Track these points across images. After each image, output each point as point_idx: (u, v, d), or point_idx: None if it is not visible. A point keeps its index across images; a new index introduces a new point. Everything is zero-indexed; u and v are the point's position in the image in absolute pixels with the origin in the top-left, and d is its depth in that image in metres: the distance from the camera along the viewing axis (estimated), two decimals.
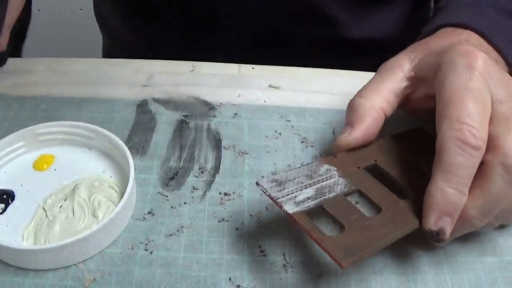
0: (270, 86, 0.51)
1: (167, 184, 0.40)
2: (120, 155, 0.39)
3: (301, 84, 0.51)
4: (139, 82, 0.50)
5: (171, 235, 0.37)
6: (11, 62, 0.51)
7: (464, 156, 0.32)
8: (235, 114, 0.47)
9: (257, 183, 0.33)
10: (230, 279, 0.34)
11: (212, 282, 0.34)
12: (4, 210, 0.37)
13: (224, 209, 0.39)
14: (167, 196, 0.39)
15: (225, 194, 0.40)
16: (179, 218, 0.38)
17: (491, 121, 0.33)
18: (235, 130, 0.45)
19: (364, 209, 0.34)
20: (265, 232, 0.38)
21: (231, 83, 0.51)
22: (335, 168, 0.36)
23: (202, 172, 0.41)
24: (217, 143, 0.44)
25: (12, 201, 0.38)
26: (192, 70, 0.52)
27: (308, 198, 0.33)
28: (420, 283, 0.35)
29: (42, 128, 0.41)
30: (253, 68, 0.53)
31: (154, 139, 0.44)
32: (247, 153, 0.43)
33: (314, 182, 0.34)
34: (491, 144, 0.33)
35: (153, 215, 0.38)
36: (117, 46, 0.72)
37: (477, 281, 0.36)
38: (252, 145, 0.44)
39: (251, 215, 0.39)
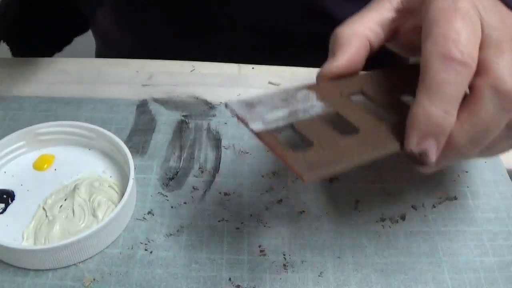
0: (270, 83, 0.51)
1: (167, 184, 0.40)
2: (120, 155, 0.39)
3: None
4: (139, 82, 0.50)
5: (171, 235, 0.37)
6: (11, 62, 0.51)
7: (448, 72, 0.29)
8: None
9: (226, 105, 0.31)
10: (230, 279, 0.34)
11: (212, 282, 0.34)
12: (4, 210, 0.37)
13: (224, 209, 0.39)
14: (167, 196, 0.39)
15: (225, 194, 0.40)
16: (179, 218, 0.38)
17: (482, 45, 0.31)
18: (235, 130, 0.45)
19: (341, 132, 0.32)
20: (265, 232, 0.38)
21: (231, 83, 0.51)
22: (315, 93, 0.33)
23: (202, 172, 0.41)
24: (217, 143, 0.44)
25: (12, 201, 0.38)
26: (192, 70, 0.52)
27: (279, 118, 0.31)
28: (420, 283, 0.35)
29: (42, 128, 0.41)
30: (253, 68, 0.53)
31: (154, 139, 0.44)
32: (247, 153, 0.43)
33: (288, 104, 0.32)
34: (481, 68, 0.30)
35: (153, 215, 0.38)
36: (113, 52, 0.72)
37: (477, 281, 0.36)
38: (252, 144, 0.44)
39: (251, 215, 0.39)
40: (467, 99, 0.30)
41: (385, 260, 0.36)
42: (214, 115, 0.47)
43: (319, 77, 0.35)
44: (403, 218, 0.39)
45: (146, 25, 0.64)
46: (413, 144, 0.30)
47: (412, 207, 0.40)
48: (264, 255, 0.36)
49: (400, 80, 0.36)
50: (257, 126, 0.30)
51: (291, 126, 0.31)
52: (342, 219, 0.39)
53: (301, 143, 0.30)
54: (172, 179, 0.41)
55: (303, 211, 0.39)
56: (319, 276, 0.35)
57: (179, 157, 0.43)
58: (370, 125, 0.32)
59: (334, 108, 0.32)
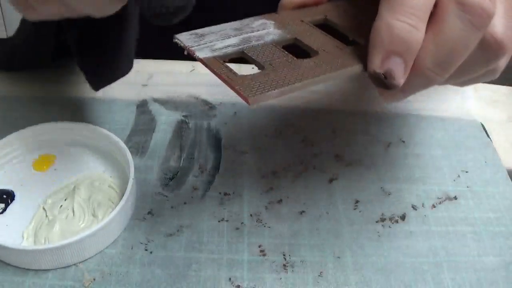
0: None
1: (167, 184, 0.40)
2: (120, 155, 0.39)
3: None
4: (138, 82, 0.50)
5: (171, 235, 0.37)
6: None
7: None
8: (235, 113, 0.47)
9: (174, 37, 0.29)
10: (230, 279, 0.34)
11: (212, 282, 0.34)
12: (4, 210, 0.37)
13: (224, 209, 0.39)
14: (167, 196, 0.39)
15: (225, 194, 0.40)
16: (179, 218, 0.38)
17: None
18: (235, 130, 0.45)
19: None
20: (265, 232, 0.38)
21: None
22: (273, 22, 0.31)
23: (202, 172, 0.41)
24: (217, 143, 0.44)
25: (12, 201, 0.38)
26: (192, 70, 0.52)
27: (229, 45, 0.29)
28: (420, 283, 0.35)
29: (42, 128, 0.41)
30: (252, 68, 0.53)
31: (154, 139, 0.44)
32: (247, 153, 0.43)
33: (241, 33, 0.30)
34: None
35: (153, 215, 0.38)
36: None
37: (477, 281, 0.36)
38: (252, 144, 0.44)
39: (251, 215, 0.39)
40: (432, 16, 0.27)
41: (385, 260, 0.36)
42: (214, 115, 0.47)
43: (280, 6, 0.32)
44: (403, 218, 0.39)
45: (145, 25, 0.64)
46: (376, 63, 0.27)
47: (412, 207, 0.40)
48: (264, 255, 0.36)
49: (370, 8, 0.32)
50: (204, 54, 0.28)
51: (241, 52, 0.29)
52: (342, 219, 0.39)
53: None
54: (172, 179, 0.41)
55: (303, 211, 0.39)
56: (319, 276, 0.35)
57: (179, 157, 0.43)
58: (331, 48, 0.29)
59: (292, 34, 0.30)
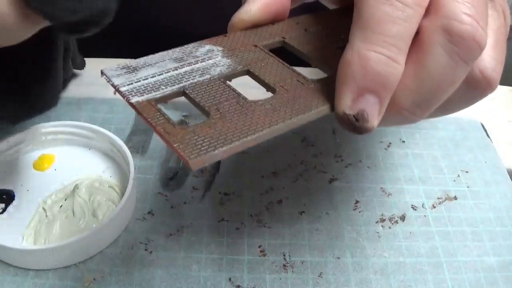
0: None
1: (167, 184, 0.40)
2: (120, 155, 0.39)
3: None
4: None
5: (171, 235, 0.37)
6: None
7: (391, 5, 0.22)
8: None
9: (101, 72, 0.24)
10: (230, 279, 0.34)
11: (212, 282, 0.34)
12: (4, 210, 0.37)
13: (224, 209, 0.39)
14: (167, 196, 0.39)
15: (225, 194, 0.40)
16: (179, 218, 0.38)
17: None
18: None
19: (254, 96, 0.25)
20: (265, 232, 0.38)
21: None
22: (221, 48, 0.26)
23: (202, 172, 0.41)
24: None
25: (12, 201, 0.38)
26: None
27: (167, 83, 0.24)
28: (420, 283, 0.35)
29: (42, 128, 0.41)
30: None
31: (154, 139, 0.44)
32: (247, 153, 0.43)
33: (183, 65, 0.25)
34: (430, 7, 0.23)
35: (153, 215, 0.38)
36: None
37: (477, 281, 0.36)
38: None
39: (251, 215, 0.39)
40: (413, 46, 0.23)
41: (384, 260, 0.36)
42: None
43: (230, 27, 0.28)
44: (403, 218, 0.39)
45: (145, 24, 0.64)
46: (346, 103, 0.23)
47: (412, 207, 0.40)
48: (264, 255, 0.36)
49: (336, 26, 0.28)
50: (137, 96, 0.23)
51: (183, 93, 0.25)
52: (342, 220, 0.39)
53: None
54: (172, 179, 0.41)
55: (303, 211, 0.39)
56: (318, 276, 0.35)
57: (179, 157, 0.43)
58: (291, 83, 0.25)
59: (244, 65, 0.26)
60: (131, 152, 0.39)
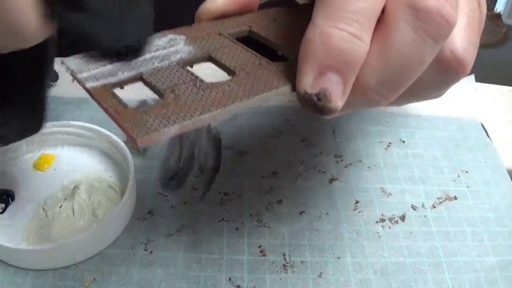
0: None
1: (167, 184, 0.40)
2: (120, 155, 0.39)
3: None
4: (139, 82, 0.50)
5: (171, 235, 0.37)
6: None
7: None
8: (235, 113, 0.47)
9: (61, 62, 0.25)
10: (230, 279, 0.34)
11: (212, 282, 0.34)
12: (4, 210, 0.37)
13: (224, 209, 0.39)
14: (167, 196, 0.39)
15: (225, 194, 0.40)
16: (179, 218, 0.38)
17: None
18: (235, 130, 0.45)
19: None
20: (265, 232, 0.38)
21: None
22: (184, 37, 0.26)
23: (202, 172, 0.41)
24: (217, 143, 0.44)
25: (12, 201, 0.38)
26: None
27: (125, 69, 0.25)
28: (420, 283, 0.35)
29: (42, 128, 0.41)
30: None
31: None
32: (247, 153, 0.43)
33: (143, 52, 0.26)
34: None
35: (153, 215, 0.38)
36: None
37: (477, 281, 0.36)
38: (252, 144, 0.44)
39: (251, 215, 0.39)
40: (379, 24, 0.22)
41: (384, 260, 0.36)
42: None
43: (197, 16, 0.27)
44: (403, 218, 0.39)
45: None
46: (307, 81, 0.22)
47: (412, 207, 0.40)
48: (264, 255, 0.36)
49: (306, 18, 0.27)
50: (92, 82, 0.23)
51: (140, 78, 0.25)
52: (342, 220, 0.39)
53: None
54: (172, 179, 0.41)
55: (303, 211, 0.39)
56: (318, 276, 0.35)
57: (179, 157, 0.43)
58: (252, 67, 0.24)
59: (206, 51, 0.25)
60: (131, 152, 0.39)
